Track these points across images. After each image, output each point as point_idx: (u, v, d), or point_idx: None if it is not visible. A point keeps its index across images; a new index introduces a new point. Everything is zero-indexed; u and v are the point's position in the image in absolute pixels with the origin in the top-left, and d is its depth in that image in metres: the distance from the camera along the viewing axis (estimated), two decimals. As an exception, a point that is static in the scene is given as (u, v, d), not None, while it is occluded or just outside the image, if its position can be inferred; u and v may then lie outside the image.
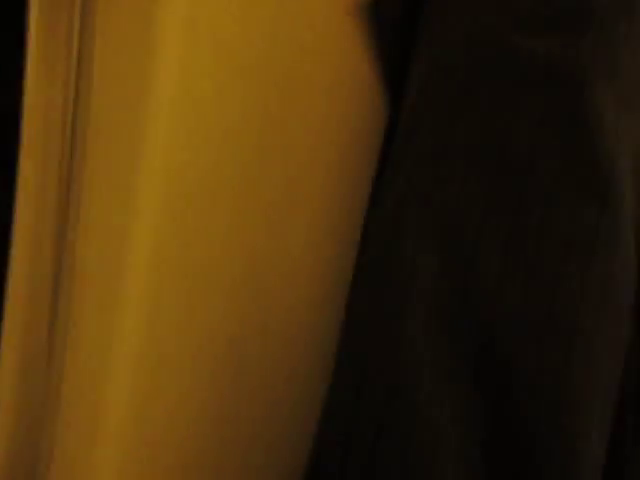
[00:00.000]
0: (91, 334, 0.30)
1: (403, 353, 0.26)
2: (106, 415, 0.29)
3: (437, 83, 0.32)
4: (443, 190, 0.29)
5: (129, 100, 0.29)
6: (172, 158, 0.30)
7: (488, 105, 0.30)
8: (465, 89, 0.31)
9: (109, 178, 0.29)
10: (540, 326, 0.26)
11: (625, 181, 0.30)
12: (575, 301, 0.27)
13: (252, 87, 0.32)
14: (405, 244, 0.28)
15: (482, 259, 0.27)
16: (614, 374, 0.30)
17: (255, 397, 0.34)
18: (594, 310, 0.28)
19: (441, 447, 0.25)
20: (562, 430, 0.26)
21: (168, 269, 0.30)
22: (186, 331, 0.31)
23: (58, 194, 0.32)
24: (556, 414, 0.26)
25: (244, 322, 0.33)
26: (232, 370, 0.33)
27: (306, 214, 0.35)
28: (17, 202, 0.32)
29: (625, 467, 0.33)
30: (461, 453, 0.25)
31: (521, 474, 0.26)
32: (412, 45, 0.34)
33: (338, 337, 0.30)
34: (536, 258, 0.28)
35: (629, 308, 0.32)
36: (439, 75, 0.32)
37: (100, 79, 0.30)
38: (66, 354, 0.31)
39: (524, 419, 0.25)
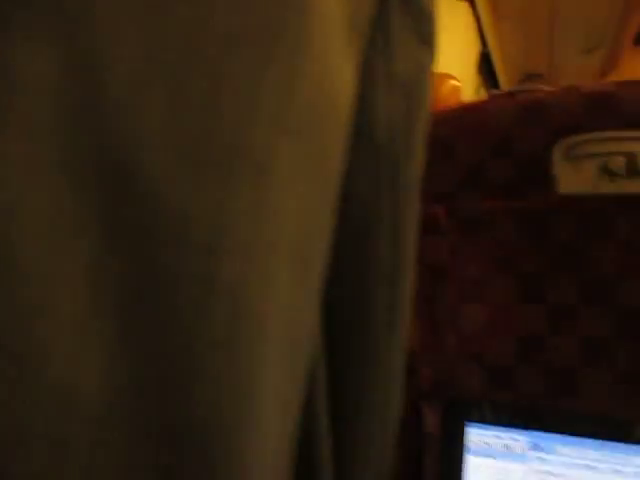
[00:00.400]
0: None
1: None
2: None
3: None
4: None
5: None
6: None
7: None
8: None
9: None
10: (192, 147, 0.20)
11: None
12: (241, 117, 0.21)
13: None
14: (9, 39, 0.19)
15: (114, 56, 0.20)
16: (303, 225, 0.24)
17: None
18: (269, 125, 0.21)
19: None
20: (213, 278, 0.20)
21: None
22: None
23: None
24: (207, 258, 0.20)
25: None
26: None
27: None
28: None
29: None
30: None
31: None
32: None
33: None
34: (188, 54, 0.20)
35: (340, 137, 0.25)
36: None
37: None
38: None
39: (171, 267, 0.20)
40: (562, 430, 0.62)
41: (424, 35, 0.33)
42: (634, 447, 0.60)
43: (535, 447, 0.63)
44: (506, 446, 0.63)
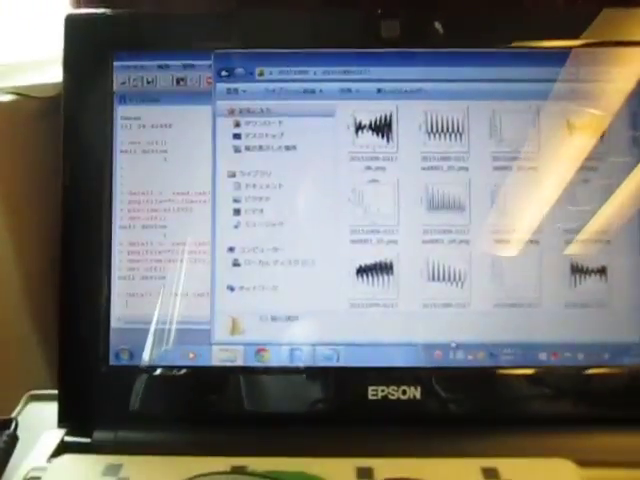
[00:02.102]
0: None
1: None
2: None
3: None
4: None
5: None
6: None
7: None
8: None
9: None
10: None
11: None
12: None
13: None
14: None
15: None
16: None
17: None
18: None
19: None
20: None
21: None
22: None
23: None
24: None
25: None
26: None
27: None
28: None
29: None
30: None
31: None
32: None
33: None
34: None
35: None
36: None
37: None
38: None
39: None
40: (265, 44, 0.38)
41: None
42: (377, 56, 0.37)
43: (225, 76, 0.37)
44: (179, 79, 0.38)
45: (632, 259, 0.37)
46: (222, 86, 0.37)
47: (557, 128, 0.37)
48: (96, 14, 0.38)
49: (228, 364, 0.37)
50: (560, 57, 0.37)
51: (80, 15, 0.38)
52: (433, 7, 0.38)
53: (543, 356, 0.37)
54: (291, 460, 0.33)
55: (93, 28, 0.38)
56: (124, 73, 0.37)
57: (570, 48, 0.37)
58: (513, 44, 0.37)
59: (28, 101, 0.46)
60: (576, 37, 0.37)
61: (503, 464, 0.33)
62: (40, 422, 0.38)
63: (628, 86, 0.38)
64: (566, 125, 0.37)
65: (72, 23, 0.37)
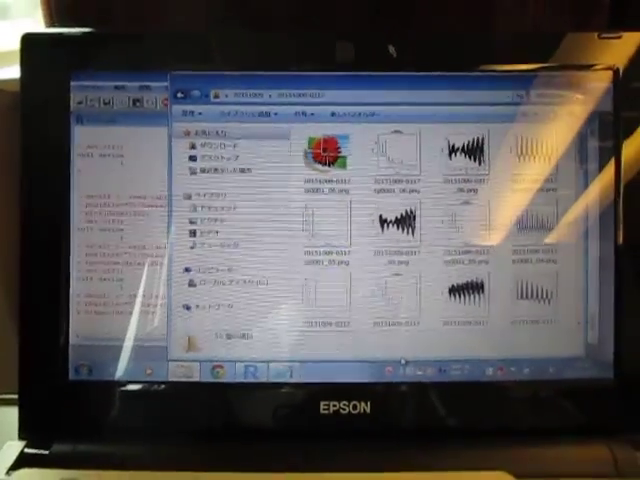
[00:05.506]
0: None
1: None
2: None
3: None
4: None
5: None
6: None
7: None
8: None
9: None
10: None
11: None
12: None
13: None
14: None
15: None
16: None
17: None
18: None
19: None
20: None
21: None
22: None
23: None
24: None
25: None
26: None
27: None
28: None
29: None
30: None
31: None
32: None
33: None
34: None
35: None
36: None
37: None
38: None
39: None
40: (221, 66, 0.38)
41: None
42: (332, 76, 0.38)
43: (181, 98, 0.38)
44: (136, 100, 0.38)
45: (576, 277, 0.38)
46: (178, 108, 0.38)
47: (506, 151, 0.38)
48: (53, 34, 0.38)
49: (184, 380, 0.38)
50: (514, 80, 0.38)
51: (37, 35, 0.38)
52: (388, 30, 0.38)
53: (490, 371, 0.39)
54: (242, 475, 0.34)
55: (50, 48, 0.38)
56: (81, 93, 0.38)
57: (524, 72, 0.38)
58: (467, 68, 0.38)
59: (1, 94, 0.45)
60: (530, 61, 0.38)
61: (439, 478, 0.35)
62: (9, 427, 0.39)
63: (579, 110, 0.39)
64: (516, 148, 0.38)
65: (29, 42, 0.37)
